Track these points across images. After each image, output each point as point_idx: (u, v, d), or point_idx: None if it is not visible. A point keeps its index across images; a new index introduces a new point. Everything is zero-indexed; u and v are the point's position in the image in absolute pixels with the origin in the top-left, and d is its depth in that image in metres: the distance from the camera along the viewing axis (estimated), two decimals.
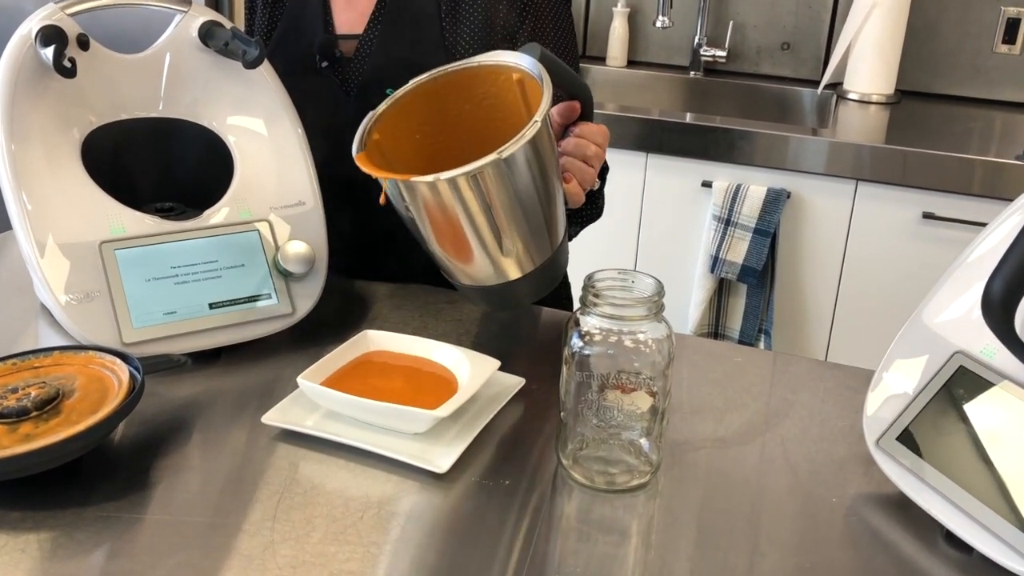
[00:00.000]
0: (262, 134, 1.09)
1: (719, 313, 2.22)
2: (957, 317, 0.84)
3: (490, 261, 0.94)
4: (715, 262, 2.12)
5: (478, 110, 1.01)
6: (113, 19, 1.06)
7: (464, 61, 1.00)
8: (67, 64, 0.97)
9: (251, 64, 1.04)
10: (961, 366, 0.83)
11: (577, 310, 0.83)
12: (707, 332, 2.24)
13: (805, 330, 2.16)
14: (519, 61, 0.96)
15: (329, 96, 1.26)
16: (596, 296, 0.82)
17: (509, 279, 0.96)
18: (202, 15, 1.09)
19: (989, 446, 0.79)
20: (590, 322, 0.82)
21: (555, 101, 1.03)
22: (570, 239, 1.30)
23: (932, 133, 2.14)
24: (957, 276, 0.88)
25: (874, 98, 2.33)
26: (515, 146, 0.86)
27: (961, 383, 0.82)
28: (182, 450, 0.87)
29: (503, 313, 1.13)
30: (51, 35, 0.99)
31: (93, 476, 0.83)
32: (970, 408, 0.81)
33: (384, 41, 1.24)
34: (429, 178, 0.87)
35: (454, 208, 0.89)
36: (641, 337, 0.82)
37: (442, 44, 1.22)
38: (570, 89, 1.02)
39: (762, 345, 2.18)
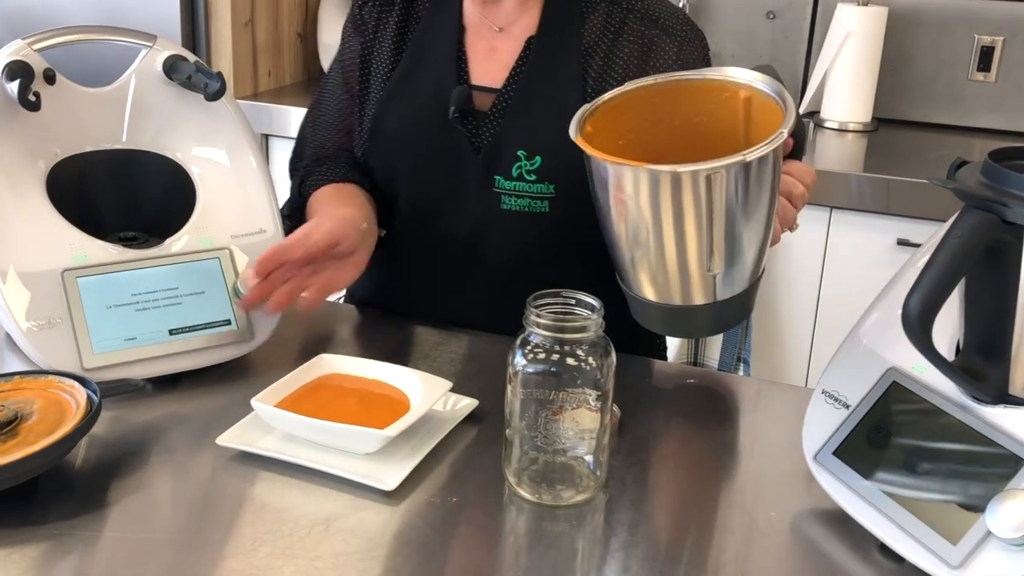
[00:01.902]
0: (224, 164, 1.14)
1: (697, 342, 2.26)
2: (891, 334, 0.89)
3: (685, 277, 0.90)
4: None
5: (688, 127, 0.97)
6: (82, 54, 1.12)
7: (687, 72, 0.97)
8: (32, 98, 1.02)
9: (212, 96, 1.10)
10: (894, 381, 0.87)
11: (521, 330, 0.88)
12: (686, 361, 2.28)
13: (784, 357, 2.20)
14: (751, 79, 0.92)
15: (455, 150, 1.23)
16: (539, 315, 0.86)
17: (692, 303, 0.91)
18: (167, 49, 1.15)
19: (920, 459, 0.83)
20: (533, 340, 0.87)
21: None
22: None
23: (909, 160, 2.20)
24: (892, 295, 0.92)
25: (851, 126, 2.39)
26: (760, 151, 0.81)
27: (894, 398, 0.87)
28: (140, 471, 0.91)
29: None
30: (17, 70, 1.04)
31: (51, 496, 0.87)
32: (903, 423, 0.85)
33: (524, 99, 1.21)
34: (666, 168, 0.82)
35: (672, 207, 0.84)
36: (582, 355, 0.86)
37: (579, 103, 1.18)
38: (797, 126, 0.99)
39: (741, 373, 2.22)
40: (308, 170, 1.33)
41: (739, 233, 0.87)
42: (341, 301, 1.40)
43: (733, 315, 0.94)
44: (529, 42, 1.23)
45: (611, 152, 0.94)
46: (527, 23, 1.25)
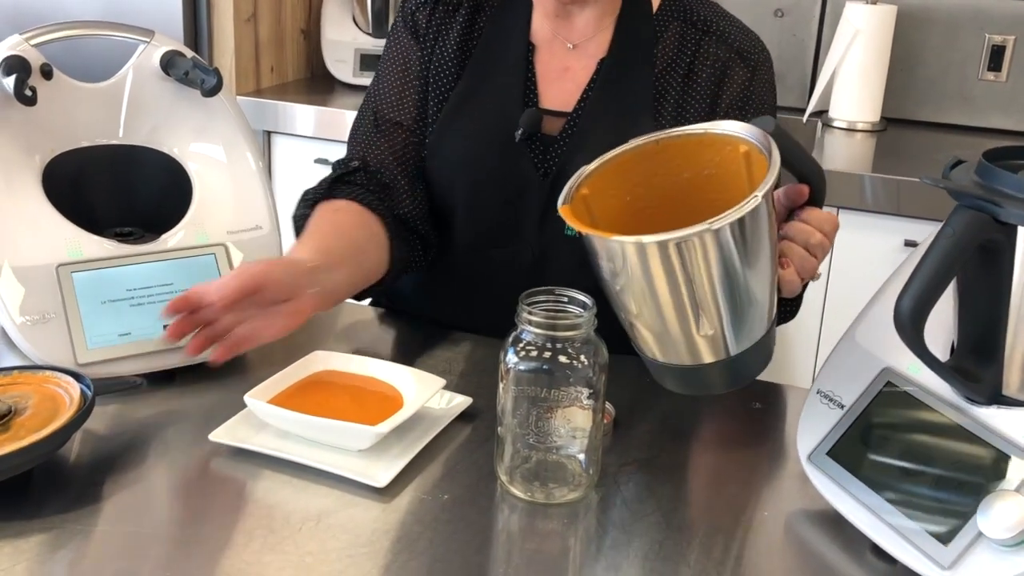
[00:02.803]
0: (221, 161, 1.16)
1: None
2: (886, 335, 0.89)
3: (684, 338, 0.90)
4: None
5: (696, 179, 0.97)
6: (80, 49, 1.13)
7: (689, 127, 0.97)
8: (28, 93, 1.04)
9: (209, 92, 1.11)
10: (889, 382, 0.88)
11: (513, 327, 0.89)
12: None
13: (791, 359, 2.21)
14: (748, 134, 0.92)
15: (519, 174, 1.19)
16: (531, 313, 0.87)
17: (702, 362, 0.91)
18: (164, 45, 1.16)
19: (913, 460, 0.84)
20: (525, 338, 0.88)
21: (784, 181, 0.98)
22: None
23: (918, 161, 2.20)
24: (887, 295, 0.93)
25: (860, 126, 2.40)
26: (728, 219, 0.82)
27: (889, 399, 0.88)
28: (134, 467, 0.93)
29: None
30: (14, 65, 1.06)
31: (45, 491, 0.88)
32: (896, 423, 0.86)
33: (593, 123, 1.18)
34: (631, 239, 0.84)
35: (653, 275, 0.86)
36: (574, 353, 0.87)
37: (652, 129, 1.13)
38: (801, 170, 0.97)
39: None
40: (339, 176, 1.23)
41: (730, 293, 0.87)
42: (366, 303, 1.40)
43: (749, 368, 0.94)
44: (601, 63, 1.20)
45: (617, 207, 0.96)
46: (601, 41, 1.21)
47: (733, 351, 0.90)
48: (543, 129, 1.20)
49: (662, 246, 0.83)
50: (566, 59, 1.22)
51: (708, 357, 0.90)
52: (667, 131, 0.97)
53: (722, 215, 0.82)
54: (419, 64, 1.24)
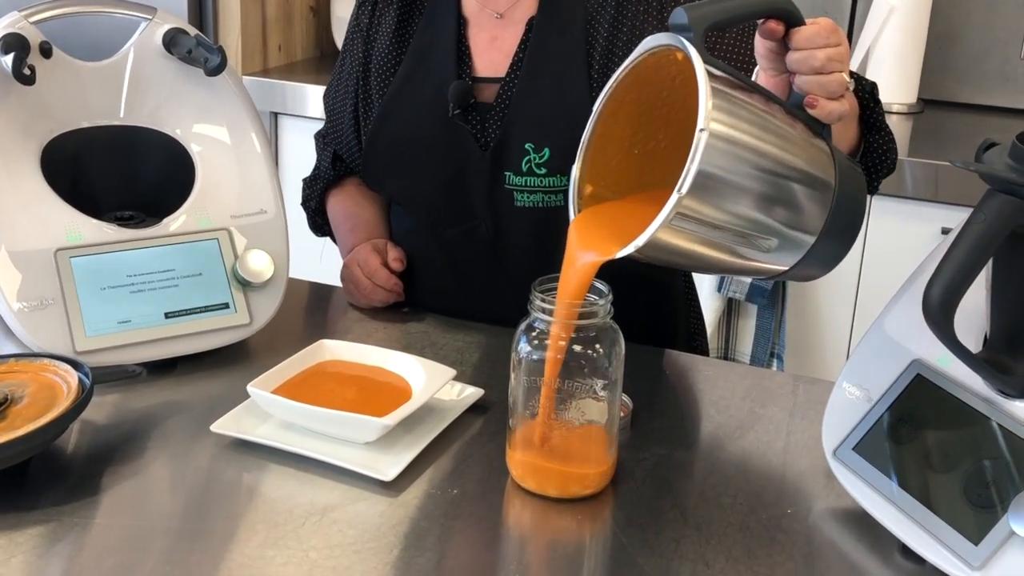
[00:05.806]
0: (225, 142, 1.16)
1: (728, 336, 2.26)
2: (915, 325, 0.89)
3: (759, 263, 0.91)
4: (722, 280, 2.17)
5: (677, 87, 0.93)
6: (82, 27, 1.14)
7: (626, 63, 0.93)
8: (26, 72, 1.05)
9: (212, 71, 1.12)
10: (918, 374, 0.88)
11: (525, 315, 0.89)
12: (717, 355, 2.28)
13: (820, 353, 2.20)
14: (669, 41, 0.88)
15: (459, 149, 1.22)
16: (544, 300, 0.87)
17: (785, 268, 0.93)
18: (167, 22, 1.17)
19: (942, 456, 0.84)
20: (538, 327, 0.88)
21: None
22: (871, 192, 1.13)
23: (957, 145, 2.19)
24: (917, 284, 0.93)
25: (895, 108, 2.38)
26: (690, 175, 0.80)
27: (918, 392, 0.87)
28: (133, 458, 0.94)
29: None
30: (12, 43, 1.07)
31: (42, 482, 0.90)
32: (926, 417, 0.86)
33: (528, 86, 1.20)
34: (631, 246, 0.83)
35: (681, 251, 0.85)
36: (589, 342, 0.88)
37: (588, 89, 1.18)
38: (756, 12, 0.91)
39: (774, 369, 2.22)
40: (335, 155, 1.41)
41: (756, 207, 0.86)
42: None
43: (836, 244, 0.94)
44: (531, 25, 1.22)
45: (630, 168, 0.97)
46: (528, 5, 1.23)
47: (810, 240, 0.91)
48: (480, 99, 1.22)
49: (655, 239, 0.82)
50: (494, 29, 1.25)
51: (790, 261, 0.92)
52: (610, 81, 0.94)
53: (681, 176, 0.80)
54: (359, 63, 1.32)
